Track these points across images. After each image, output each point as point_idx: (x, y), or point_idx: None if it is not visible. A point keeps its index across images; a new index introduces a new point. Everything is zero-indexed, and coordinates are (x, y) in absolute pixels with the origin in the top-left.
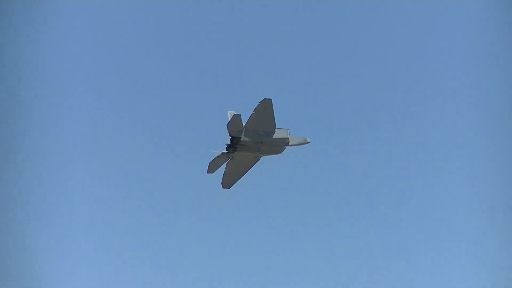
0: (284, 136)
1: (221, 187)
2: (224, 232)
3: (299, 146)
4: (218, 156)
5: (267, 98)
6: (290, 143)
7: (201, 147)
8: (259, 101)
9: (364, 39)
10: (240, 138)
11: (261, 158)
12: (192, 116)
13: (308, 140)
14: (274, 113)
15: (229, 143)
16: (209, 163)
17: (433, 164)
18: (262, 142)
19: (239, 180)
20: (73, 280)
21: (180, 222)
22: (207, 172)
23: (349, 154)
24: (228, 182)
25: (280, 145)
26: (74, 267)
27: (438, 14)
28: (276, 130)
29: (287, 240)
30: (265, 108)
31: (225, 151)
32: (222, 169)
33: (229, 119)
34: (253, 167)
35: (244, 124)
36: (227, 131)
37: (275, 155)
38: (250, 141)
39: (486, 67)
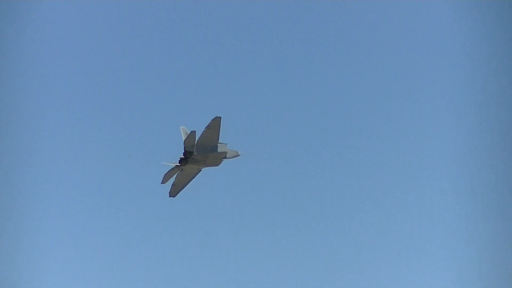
0: (224, 150)
1: (168, 196)
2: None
3: (233, 158)
4: (171, 169)
5: (218, 116)
6: (227, 156)
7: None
8: (211, 119)
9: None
10: (193, 152)
11: (202, 169)
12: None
13: (239, 153)
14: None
15: (182, 156)
16: (164, 174)
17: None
18: (208, 156)
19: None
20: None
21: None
22: (161, 183)
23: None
24: (174, 191)
25: (220, 158)
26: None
27: (433, 13)
28: (218, 144)
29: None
30: (215, 125)
31: (178, 164)
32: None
33: (182, 134)
34: (195, 177)
35: (196, 139)
36: (183, 146)
37: (215, 167)
38: (199, 155)
39: (485, 67)
